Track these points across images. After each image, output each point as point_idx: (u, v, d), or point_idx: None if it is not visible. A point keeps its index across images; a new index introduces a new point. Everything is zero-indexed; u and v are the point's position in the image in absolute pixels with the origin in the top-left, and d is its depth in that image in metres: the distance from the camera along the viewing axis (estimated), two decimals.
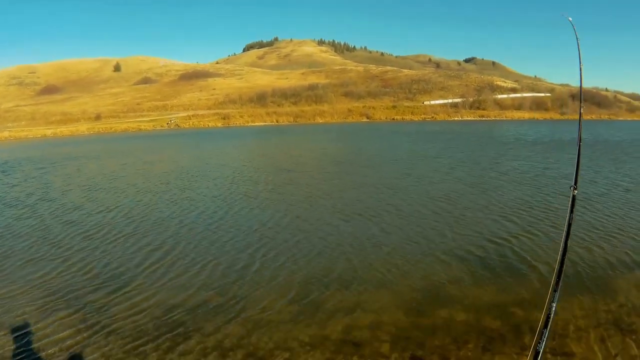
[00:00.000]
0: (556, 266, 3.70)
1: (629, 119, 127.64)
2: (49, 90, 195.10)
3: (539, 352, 3.12)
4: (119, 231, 18.72)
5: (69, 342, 10.37)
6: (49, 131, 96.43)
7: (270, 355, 9.91)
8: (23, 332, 10.80)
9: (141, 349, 10.08)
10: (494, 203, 22.05)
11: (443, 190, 25.39)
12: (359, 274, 14.21)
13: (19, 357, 9.84)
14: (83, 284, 13.49)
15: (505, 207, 21.24)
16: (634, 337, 10.05)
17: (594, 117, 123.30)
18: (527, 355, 8.33)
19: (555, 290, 3.42)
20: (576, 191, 4.26)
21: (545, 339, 3.16)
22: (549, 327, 3.19)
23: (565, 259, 3.86)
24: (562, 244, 3.95)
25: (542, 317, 3.33)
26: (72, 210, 22.67)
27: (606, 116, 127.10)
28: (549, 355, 9.58)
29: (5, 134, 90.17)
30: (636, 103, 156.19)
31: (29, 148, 60.75)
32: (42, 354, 9.96)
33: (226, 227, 19.21)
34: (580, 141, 5.10)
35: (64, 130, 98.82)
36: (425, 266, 14.63)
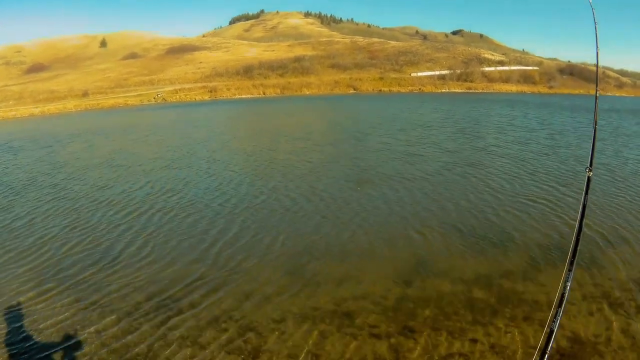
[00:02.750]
0: (571, 246, 3.78)
1: (617, 94, 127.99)
2: (36, 68, 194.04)
3: (554, 330, 3.17)
4: (111, 208, 19.22)
5: (63, 320, 10.57)
6: (36, 110, 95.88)
7: (262, 327, 10.12)
8: (16, 311, 10.95)
9: (135, 324, 10.25)
10: (484, 177, 22.57)
11: (435, 163, 26.12)
12: (349, 246, 14.49)
13: (13, 337, 9.99)
14: (75, 263, 13.73)
15: (494, 181, 21.79)
16: (621, 310, 10.30)
17: (582, 91, 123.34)
18: (515, 327, 8.47)
19: (570, 270, 3.54)
20: (591, 173, 4.36)
21: (559, 318, 3.23)
22: (563, 305, 3.27)
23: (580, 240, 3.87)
24: (577, 225, 4.04)
25: (557, 295, 3.39)
26: (68, 187, 23.08)
27: (594, 91, 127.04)
28: (537, 327, 9.72)
29: None
30: (624, 79, 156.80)
31: (23, 127, 61.19)
32: (37, 333, 10.13)
33: (218, 201, 19.67)
34: (595, 124, 5.32)
35: (52, 108, 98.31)
36: (414, 239, 14.94)
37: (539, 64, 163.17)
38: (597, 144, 4.88)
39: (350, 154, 30.42)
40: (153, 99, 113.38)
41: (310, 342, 9.82)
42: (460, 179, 23.02)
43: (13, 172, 28.18)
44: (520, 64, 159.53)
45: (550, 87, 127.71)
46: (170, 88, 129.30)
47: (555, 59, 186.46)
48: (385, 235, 15.68)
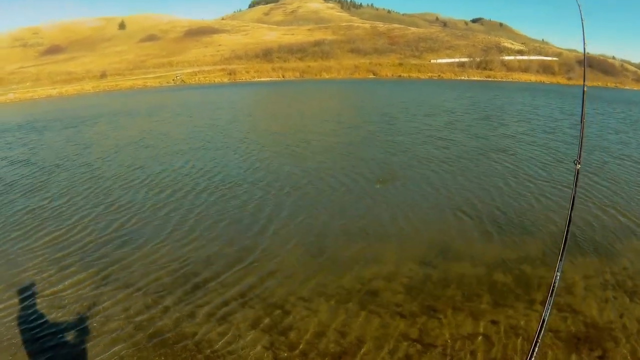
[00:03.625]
0: (563, 238, 3.75)
1: (635, 88, 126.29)
2: (53, 50, 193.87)
3: (545, 320, 3.12)
4: (135, 186, 19.53)
5: (88, 298, 10.74)
6: (54, 91, 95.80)
7: (289, 304, 10.33)
8: (42, 289, 11.18)
9: (162, 302, 10.45)
10: (509, 163, 22.73)
11: (465, 148, 26.29)
12: (374, 227, 14.69)
13: (39, 314, 10.16)
14: (100, 242, 13.94)
15: (519, 167, 21.93)
16: (636, 299, 10.42)
17: (599, 83, 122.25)
18: (536, 311, 8.64)
19: (560, 260, 3.49)
20: (579, 166, 4.43)
21: (550, 307, 3.18)
22: (553, 295, 3.24)
23: (570, 231, 3.90)
24: (568, 217, 4.07)
25: (551, 287, 3.35)
26: (94, 168, 23.15)
27: (612, 84, 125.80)
28: (555, 311, 9.90)
29: (11, 96, 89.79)
30: None
31: (44, 108, 60.44)
32: (63, 311, 10.26)
33: (243, 180, 19.91)
34: (583, 118, 5.25)
35: (69, 89, 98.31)
36: (439, 222, 15.16)
37: (558, 54, 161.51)
38: (584, 138, 4.94)
39: (383, 137, 30.59)
40: (172, 81, 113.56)
41: (337, 319, 10.04)
42: (490, 164, 23.19)
43: (43, 152, 28.29)
44: (539, 54, 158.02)
45: (569, 79, 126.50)
46: (189, 70, 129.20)
47: (574, 50, 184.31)
48: (412, 218, 15.89)
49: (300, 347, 9.16)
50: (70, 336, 9.53)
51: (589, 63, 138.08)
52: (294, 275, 11.92)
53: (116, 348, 9.13)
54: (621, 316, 10.11)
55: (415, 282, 11.61)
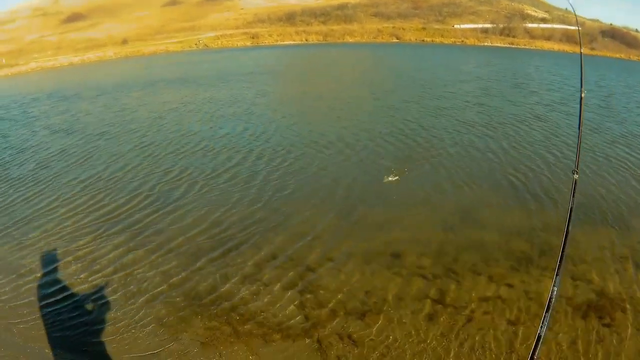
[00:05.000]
0: (560, 254, 3.68)
1: None
2: (74, 18, 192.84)
3: (541, 336, 2.95)
4: (167, 153, 20.14)
5: (124, 262, 11.37)
6: (75, 59, 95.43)
7: (317, 265, 11.04)
8: (79, 253, 11.88)
9: (198, 264, 11.09)
10: (532, 135, 22.82)
11: (483, 118, 26.14)
12: (396, 193, 15.24)
13: (76, 277, 10.89)
14: (135, 207, 14.58)
15: (523, 137, 22.28)
16: None
17: (622, 56, 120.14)
18: (548, 277, 9.12)
19: (557, 275, 3.37)
20: (577, 175, 4.44)
21: (547, 323, 3.00)
22: (550, 311, 3.09)
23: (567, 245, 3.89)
24: (565, 229, 4.06)
25: (547, 302, 3.20)
26: (140, 135, 23.78)
27: (635, 57, 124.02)
28: (569, 279, 10.38)
29: (32, 65, 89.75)
30: None
31: (70, 77, 59.62)
32: (99, 274, 10.94)
33: (272, 146, 20.39)
34: (581, 125, 5.33)
35: (91, 57, 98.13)
36: (460, 189, 15.64)
37: (582, 24, 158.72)
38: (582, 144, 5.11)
39: (422, 102, 31.11)
40: (195, 45, 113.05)
41: (363, 280, 10.64)
42: (528, 131, 23.57)
43: (86, 119, 28.64)
44: (563, 22, 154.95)
45: (592, 49, 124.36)
46: (212, 34, 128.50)
47: (597, 20, 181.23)
48: (434, 184, 16.39)
49: (329, 305, 9.75)
50: (106, 295, 10.20)
51: (612, 34, 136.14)
52: (322, 238, 12.51)
53: (152, 307, 9.77)
54: (630, 288, 10.56)
55: (438, 246, 12.16)
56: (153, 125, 25.42)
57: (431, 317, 9.38)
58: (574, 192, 4.09)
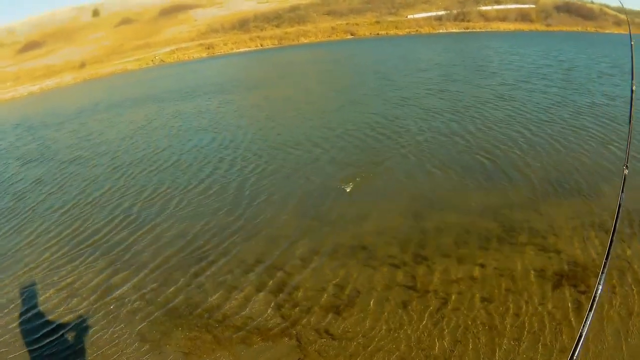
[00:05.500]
0: (607, 249, 3.44)
1: (615, 31, 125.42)
2: (31, 46, 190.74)
3: (582, 335, 2.68)
4: (139, 171, 20.17)
5: (98, 282, 11.66)
6: (34, 87, 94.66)
7: (289, 266, 11.23)
8: (61, 283, 11.94)
9: (170, 276, 11.33)
10: (486, 115, 23.29)
11: (447, 104, 26.60)
12: (359, 186, 15.53)
13: (59, 305, 11.00)
14: (114, 230, 14.59)
15: (489, 119, 22.57)
16: (618, 237, 11.15)
17: (579, 28, 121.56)
18: (518, 252, 9.44)
19: (602, 273, 3.01)
20: (627, 170, 4.08)
21: (589, 323, 2.73)
22: (594, 309, 2.83)
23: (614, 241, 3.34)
24: (613, 225, 3.63)
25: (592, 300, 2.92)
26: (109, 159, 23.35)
27: (593, 28, 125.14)
28: (539, 251, 10.84)
29: None
30: (622, 17, 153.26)
31: (31, 107, 57.77)
32: (75, 295, 11.20)
33: (241, 153, 20.63)
34: (631, 118, 4.99)
35: (50, 84, 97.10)
36: (423, 176, 15.94)
37: (535, 2, 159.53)
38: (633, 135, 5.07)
39: (385, 94, 31.31)
40: (151, 62, 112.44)
41: (334, 275, 10.88)
42: (491, 111, 24.12)
43: (56, 147, 28.22)
44: (516, 2, 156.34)
45: (548, 25, 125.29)
46: (168, 49, 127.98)
47: None
48: (399, 173, 16.68)
49: (304, 303, 9.97)
50: (89, 320, 10.28)
51: (567, 8, 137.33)
52: (291, 239, 12.69)
53: (134, 325, 9.93)
54: (600, 254, 10.80)
55: (404, 233, 12.43)
56: (122, 146, 25.28)
57: (405, 304, 9.62)
58: (623, 188, 3.88)
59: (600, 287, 2.99)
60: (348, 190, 15.44)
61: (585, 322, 2.73)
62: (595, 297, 2.86)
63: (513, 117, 22.36)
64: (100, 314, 10.43)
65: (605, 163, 16.36)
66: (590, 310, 2.79)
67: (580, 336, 2.68)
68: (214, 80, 51.48)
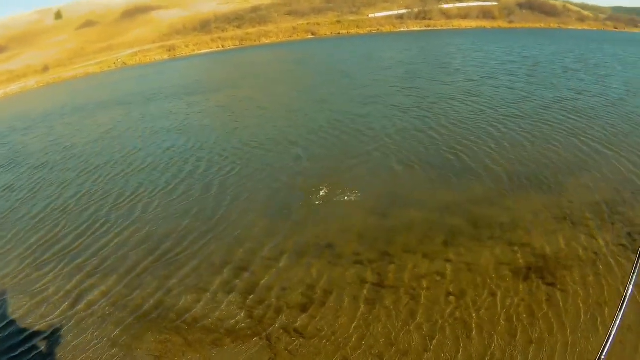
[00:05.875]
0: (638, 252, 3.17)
1: (579, 27, 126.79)
2: None
3: (612, 335, 2.75)
4: (114, 174, 19.88)
5: (70, 288, 11.50)
6: None
7: (256, 266, 11.24)
8: (21, 287, 11.90)
9: (139, 280, 11.24)
10: (452, 111, 23.41)
11: (414, 101, 26.58)
12: (325, 185, 15.47)
13: (25, 308, 10.98)
14: (73, 233, 14.50)
15: (453, 115, 22.67)
16: (583, 229, 11.48)
17: (542, 25, 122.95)
18: (483, 246, 9.50)
19: (634, 272, 3.03)
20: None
21: (618, 323, 2.82)
22: (623, 309, 2.88)
23: None
24: None
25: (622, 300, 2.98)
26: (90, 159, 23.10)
27: (556, 25, 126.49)
28: (505, 246, 11.04)
29: None
30: (586, 13, 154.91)
31: (3, 111, 55.24)
32: (47, 302, 11.06)
33: (200, 155, 20.44)
34: None
35: (14, 88, 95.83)
36: (389, 173, 15.90)
37: None
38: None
39: (352, 92, 31.39)
40: (113, 64, 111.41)
41: (300, 273, 10.92)
42: (458, 107, 24.37)
43: (26, 152, 27.59)
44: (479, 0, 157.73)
45: (510, 22, 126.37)
46: (130, 51, 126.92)
47: None
48: (365, 171, 16.68)
49: (271, 302, 9.99)
50: (62, 328, 10.16)
51: (530, 5, 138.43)
52: (257, 240, 12.69)
53: (106, 331, 9.85)
54: (569, 246, 11.08)
55: (370, 231, 12.45)
56: (94, 149, 24.94)
57: (372, 301, 9.68)
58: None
59: (631, 288, 2.95)
60: (313, 190, 15.37)
61: (614, 322, 2.78)
62: (625, 297, 2.89)
63: (480, 113, 22.59)
64: (72, 321, 10.33)
65: (571, 156, 16.60)
66: (620, 309, 2.83)
67: (610, 336, 2.72)
68: (177, 82, 50.88)
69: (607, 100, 24.37)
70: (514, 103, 24.23)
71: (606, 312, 8.90)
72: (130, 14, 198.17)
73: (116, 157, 22.41)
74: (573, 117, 21.17)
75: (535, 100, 24.66)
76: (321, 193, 15.16)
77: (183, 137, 24.55)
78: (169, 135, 25.28)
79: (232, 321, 9.55)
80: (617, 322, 2.78)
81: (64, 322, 10.32)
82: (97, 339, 9.58)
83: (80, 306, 10.82)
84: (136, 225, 14.55)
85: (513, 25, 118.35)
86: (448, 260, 10.82)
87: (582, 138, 18.35)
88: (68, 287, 11.70)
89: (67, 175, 20.75)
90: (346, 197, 14.66)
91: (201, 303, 10.28)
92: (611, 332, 2.73)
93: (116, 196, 17.28)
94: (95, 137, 27.98)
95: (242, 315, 9.69)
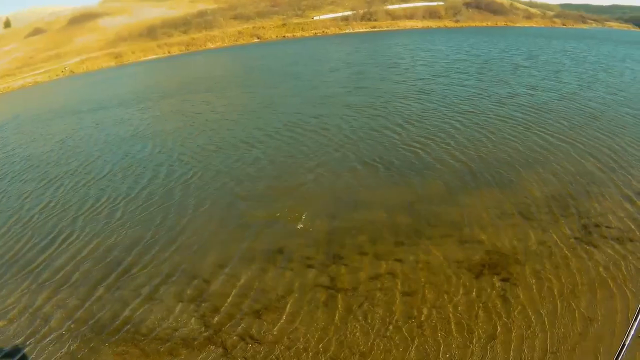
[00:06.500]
0: None
1: (526, 25, 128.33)
2: None
3: (626, 344, 2.77)
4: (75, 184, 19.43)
5: (26, 303, 11.34)
6: None
7: (208, 273, 11.29)
8: (9, 311, 11.38)
9: (93, 291, 11.18)
10: (404, 110, 23.76)
11: (366, 101, 26.93)
12: (275, 191, 15.56)
13: None
14: (20, 248, 14.28)
15: (406, 113, 23.02)
16: (534, 224, 11.74)
17: (490, 23, 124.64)
18: (435, 245, 9.89)
19: None
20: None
21: (633, 332, 2.83)
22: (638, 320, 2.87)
23: None
24: None
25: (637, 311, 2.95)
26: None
27: (503, 22, 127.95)
28: (458, 243, 11.30)
29: None
30: (533, 10, 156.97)
31: None
32: (2, 317, 10.95)
33: (145, 164, 20.40)
34: None
35: None
36: (339, 177, 15.99)
37: None
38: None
39: (302, 94, 31.93)
40: (61, 72, 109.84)
41: (253, 279, 10.99)
42: (409, 105, 24.82)
43: None
44: (424, 0, 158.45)
45: (457, 21, 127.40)
46: (77, 59, 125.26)
47: None
48: (314, 173, 16.88)
49: (226, 310, 10.06)
50: (18, 343, 10.08)
51: (477, 4, 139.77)
52: (208, 247, 12.77)
53: (63, 344, 9.81)
54: (522, 241, 11.35)
55: (321, 234, 12.59)
56: (51, 158, 24.51)
57: (327, 304, 9.82)
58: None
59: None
60: (263, 194, 15.52)
61: (628, 332, 2.80)
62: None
63: (433, 111, 23.05)
64: (28, 336, 10.30)
65: (527, 150, 17.05)
66: (635, 319, 2.87)
67: (623, 346, 2.77)
68: (126, 89, 50.26)
69: (560, 95, 25.08)
70: (466, 100, 24.80)
71: (561, 305, 9.13)
72: (78, 21, 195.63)
73: (74, 166, 22.08)
74: (527, 112, 21.74)
75: (488, 96, 25.25)
76: (270, 197, 15.30)
77: (140, 143, 24.40)
78: (125, 142, 25.07)
79: (187, 330, 9.62)
80: (632, 331, 2.82)
81: (21, 337, 10.29)
82: (56, 354, 9.56)
83: (37, 320, 10.76)
84: (99, 238, 14.31)
85: (460, 25, 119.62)
86: (399, 260, 11.01)
87: (537, 131, 18.89)
88: (23, 301, 11.62)
89: (26, 186, 20.42)
90: (295, 201, 14.80)
91: (156, 312, 10.32)
92: (625, 340, 2.76)
93: (77, 207, 17.03)
94: (51, 146, 27.42)
95: (196, 323, 9.78)
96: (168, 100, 37.57)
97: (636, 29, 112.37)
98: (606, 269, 10.15)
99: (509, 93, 25.78)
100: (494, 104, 23.50)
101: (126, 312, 10.49)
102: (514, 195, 13.60)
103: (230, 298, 10.45)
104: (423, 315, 9.19)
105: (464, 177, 15.13)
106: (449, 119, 21.33)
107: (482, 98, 24.95)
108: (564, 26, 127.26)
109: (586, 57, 41.18)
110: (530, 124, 19.95)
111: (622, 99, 24.13)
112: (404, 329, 8.90)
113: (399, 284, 10.19)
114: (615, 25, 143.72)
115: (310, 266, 11.22)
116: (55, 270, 12.74)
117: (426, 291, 9.88)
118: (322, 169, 17.18)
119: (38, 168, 23.09)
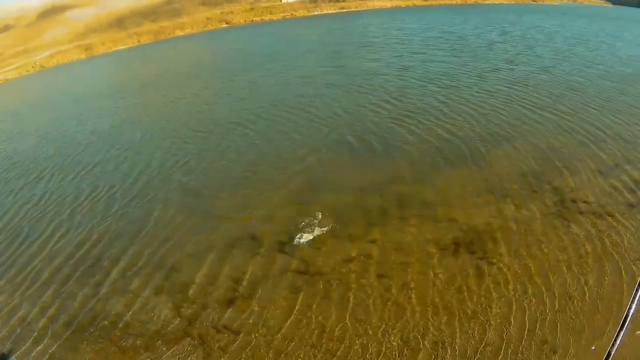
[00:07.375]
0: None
1: (497, 2, 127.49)
2: None
3: (611, 353, 2.76)
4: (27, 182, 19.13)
5: (1, 305, 11.10)
6: None
7: (181, 264, 11.21)
8: None
9: (67, 288, 11.12)
10: (363, 91, 23.55)
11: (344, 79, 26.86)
12: (242, 178, 15.50)
13: None
14: (17, 251, 13.75)
15: (374, 93, 22.86)
16: (508, 200, 11.80)
17: (459, 1, 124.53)
18: (407, 224, 9.72)
19: (637, 291, 2.89)
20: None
21: (619, 341, 2.79)
22: (625, 328, 2.86)
23: None
24: None
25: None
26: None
27: (473, 0, 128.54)
28: (432, 223, 11.30)
29: None
30: None
31: None
32: None
33: (122, 154, 20.08)
34: None
35: None
36: (306, 160, 15.89)
37: None
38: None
39: (280, 75, 31.39)
40: (31, 68, 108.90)
41: (225, 267, 10.93)
42: (392, 82, 24.67)
43: None
44: None
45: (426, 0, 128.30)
46: (47, 53, 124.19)
47: None
48: (277, 160, 16.65)
49: (200, 300, 9.99)
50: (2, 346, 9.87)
51: None
52: (177, 237, 12.63)
53: (42, 343, 9.69)
54: (497, 218, 11.37)
55: (292, 219, 12.47)
56: (36, 152, 23.75)
57: (300, 289, 9.79)
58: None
59: (634, 307, 2.92)
60: (234, 181, 15.39)
61: (614, 340, 2.75)
62: (627, 315, 2.85)
63: (412, 87, 23.00)
64: (6, 338, 10.13)
65: (496, 127, 17.03)
66: (620, 329, 2.82)
67: (609, 355, 2.72)
68: (99, 81, 50.19)
69: (538, 69, 25.11)
70: (445, 75, 24.76)
71: (538, 281, 9.16)
72: (46, 14, 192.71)
73: (56, 160, 21.53)
74: (510, 85, 21.87)
75: (469, 72, 25.21)
76: (241, 184, 15.16)
77: (125, 133, 23.78)
78: (106, 134, 24.42)
79: (163, 323, 9.54)
80: (619, 340, 2.78)
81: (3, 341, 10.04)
82: (35, 355, 9.42)
83: (13, 322, 10.59)
84: (59, 232, 14.14)
85: (429, 3, 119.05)
86: (372, 242, 10.98)
87: (519, 105, 19.01)
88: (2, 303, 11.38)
89: (13, 184, 19.92)
90: (265, 187, 14.67)
91: (130, 306, 10.21)
92: (611, 350, 2.76)
93: (71, 199, 16.52)
94: (33, 141, 26.89)
95: (172, 316, 9.69)
96: (145, 89, 37.00)
97: (607, 5, 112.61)
98: (584, 245, 10.17)
99: (489, 67, 25.97)
100: (475, 77, 23.72)
101: (100, 307, 10.39)
102: (486, 173, 13.67)
103: (203, 287, 10.43)
104: (400, 297, 9.17)
105: (434, 157, 15.14)
106: (422, 97, 21.30)
107: (461, 73, 25.01)
108: (535, 2, 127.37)
109: (558, 32, 40.92)
110: (511, 97, 20.08)
111: (601, 72, 24.14)
112: (380, 312, 8.87)
113: (374, 265, 10.18)
114: (586, 1, 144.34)
115: (282, 252, 11.16)
116: (33, 270, 12.46)
117: (403, 272, 9.87)
118: (285, 151, 17.14)
119: (23, 164, 22.47)
